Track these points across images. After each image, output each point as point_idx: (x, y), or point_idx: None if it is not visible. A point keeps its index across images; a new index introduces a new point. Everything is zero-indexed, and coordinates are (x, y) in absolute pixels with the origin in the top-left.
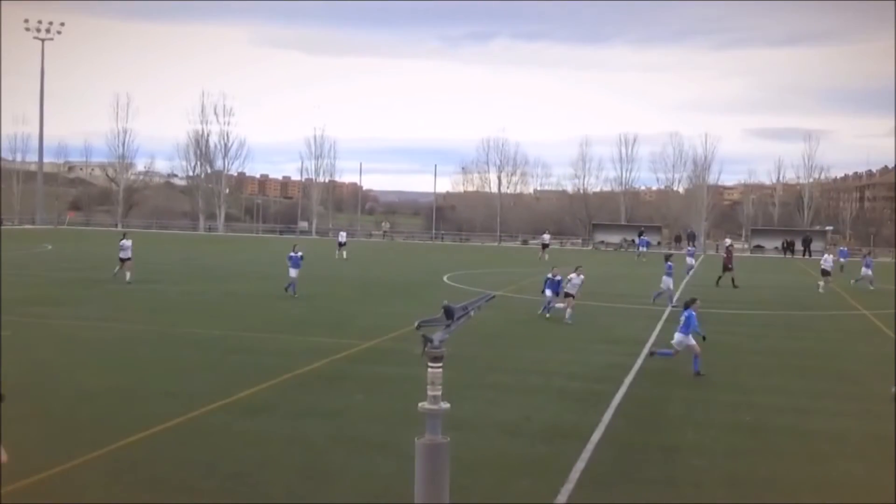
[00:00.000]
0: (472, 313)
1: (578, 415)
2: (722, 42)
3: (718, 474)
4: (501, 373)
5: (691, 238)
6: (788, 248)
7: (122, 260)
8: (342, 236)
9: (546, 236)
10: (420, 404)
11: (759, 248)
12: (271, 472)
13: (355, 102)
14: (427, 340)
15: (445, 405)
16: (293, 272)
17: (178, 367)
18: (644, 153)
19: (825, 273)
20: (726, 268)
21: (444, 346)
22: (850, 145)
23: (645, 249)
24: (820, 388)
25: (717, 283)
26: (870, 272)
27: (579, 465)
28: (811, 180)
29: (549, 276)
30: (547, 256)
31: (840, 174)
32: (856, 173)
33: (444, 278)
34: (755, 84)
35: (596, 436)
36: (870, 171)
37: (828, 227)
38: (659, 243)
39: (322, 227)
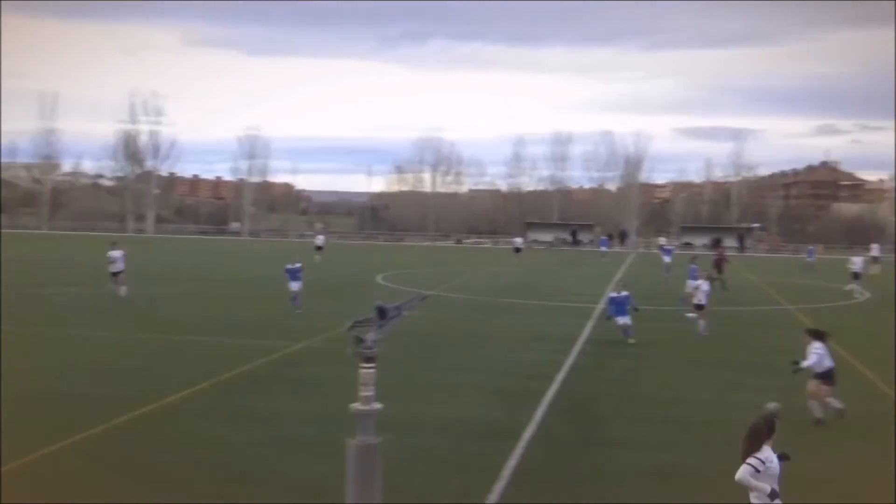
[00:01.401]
0: (405, 313)
1: (511, 412)
2: (653, 43)
3: (648, 468)
4: (434, 372)
5: (623, 236)
6: (717, 244)
7: (114, 273)
8: (319, 239)
9: (518, 240)
10: (352, 405)
11: (688, 245)
12: (201, 476)
13: (289, 102)
14: (359, 341)
15: (378, 406)
16: (295, 285)
17: (104, 371)
18: (577, 152)
19: (856, 276)
20: (719, 271)
21: (377, 347)
22: (777, 144)
23: (606, 249)
24: (744, 381)
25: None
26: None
27: (511, 463)
28: (739, 178)
29: (613, 294)
30: (517, 261)
31: (767, 172)
32: (782, 171)
33: (378, 278)
34: (685, 84)
35: (528, 433)
36: (795, 169)
37: (755, 225)
38: (591, 241)
39: (254, 227)
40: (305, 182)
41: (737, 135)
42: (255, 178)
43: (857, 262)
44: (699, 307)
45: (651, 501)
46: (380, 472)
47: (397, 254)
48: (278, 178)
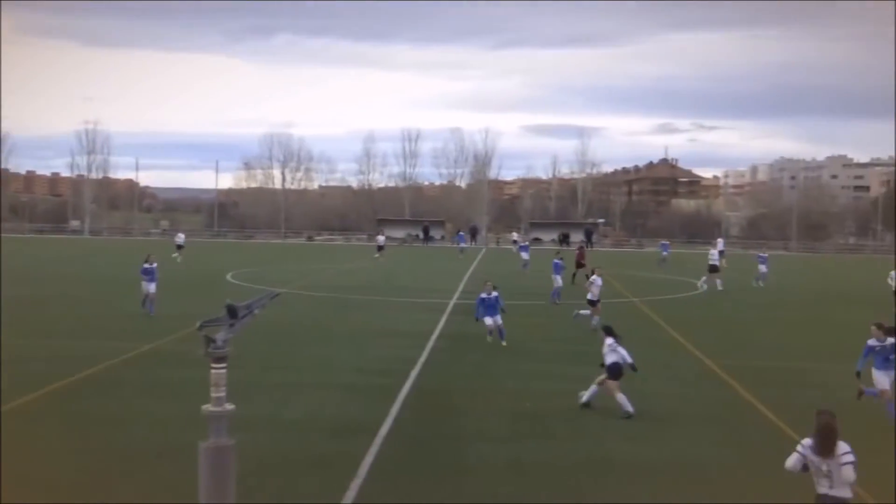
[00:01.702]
0: (256, 312)
1: (366, 409)
2: (499, 42)
3: (501, 459)
4: (288, 371)
5: (473, 232)
6: (564, 240)
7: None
8: (180, 238)
9: (381, 238)
10: (203, 407)
11: (537, 240)
12: (45, 484)
13: (131, 96)
14: (210, 341)
15: (230, 407)
16: (150, 287)
17: None
18: (427, 149)
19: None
20: (579, 265)
21: (228, 347)
22: (619, 142)
23: (464, 245)
24: (594, 373)
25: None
26: (765, 268)
27: (368, 460)
28: (584, 175)
29: (483, 294)
30: (382, 258)
31: (610, 169)
32: (624, 168)
33: (228, 277)
34: (531, 83)
35: (384, 429)
36: (636, 166)
37: (600, 220)
38: (443, 237)
39: (96, 226)
40: (150, 178)
41: (581, 132)
42: (96, 175)
43: (714, 255)
44: (592, 303)
45: (506, 493)
46: (233, 473)
47: (247, 251)
48: (121, 175)
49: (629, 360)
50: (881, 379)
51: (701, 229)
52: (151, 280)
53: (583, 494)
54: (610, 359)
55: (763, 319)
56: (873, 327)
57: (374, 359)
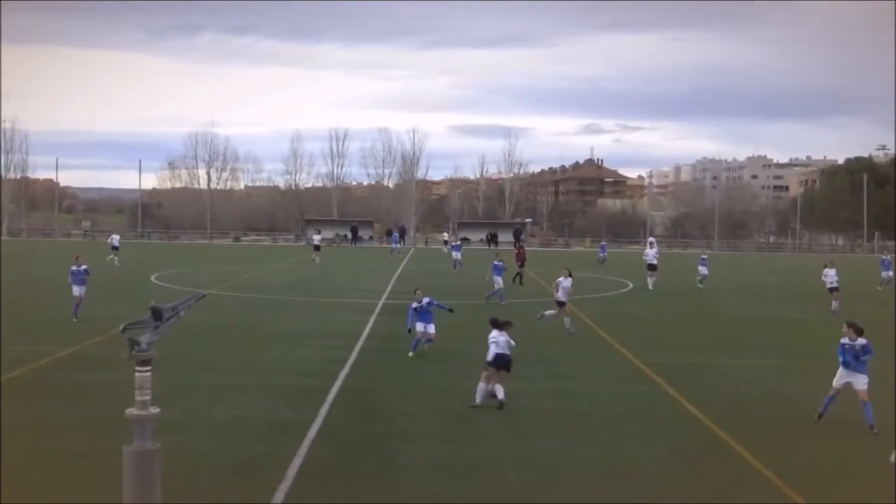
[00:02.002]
0: (181, 313)
1: (294, 411)
2: (427, 42)
3: (431, 459)
4: (215, 373)
5: (402, 232)
6: (492, 239)
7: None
8: (115, 239)
9: (317, 237)
10: (128, 410)
11: (465, 240)
12: None
13: (50, 94)
14: (134, 343)
15: (155, 410)
16: (78, 290)
17: None
18: (354, 149)
19: (652, 268)
20: (521, 264)
21: (153, 349)
22: (546, 142)
23: (396, 245)
24: (521, 371)
25: (514, 280)
26: (706, 270)
27: (296, 462)
28: (511, 175)
29: (414, 304)
30: (318, 259)
31: (537, 169)
32: (551, 169)
33: (152, 278)
34: (459, 83)
35: (312, 431)
36: (563, 166)
37: (527, 220)
38: (371, 237)
39: (14, 227)
40: (70, 178)
41: (509, 133)
42: (14, 175)
43: (650, 255)
44: (560, 304)
45: (436, 492)
46: (159, 478)
47: (172, 252)
48: (40, 174)
49: (508, 347)
50: (843, 377)
51: (627, 229)
52: (81, 283)
53: (513, 493)
54: (493, 351)
55: (687, 317)
56: (845, 326)
57: (303, 360)
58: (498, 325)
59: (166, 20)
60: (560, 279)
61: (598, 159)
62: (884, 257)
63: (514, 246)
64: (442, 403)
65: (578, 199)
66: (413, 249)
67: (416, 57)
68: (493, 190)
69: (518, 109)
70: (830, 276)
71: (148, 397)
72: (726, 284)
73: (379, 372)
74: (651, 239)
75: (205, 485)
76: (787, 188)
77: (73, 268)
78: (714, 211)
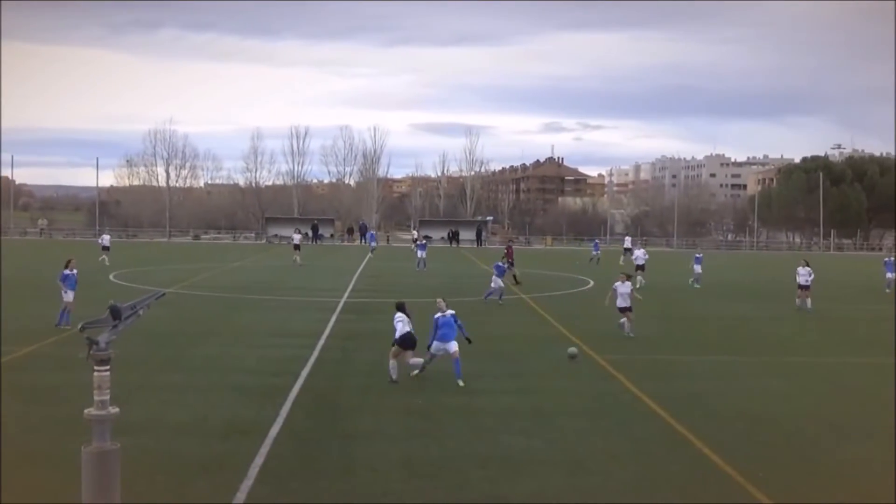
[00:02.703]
0: (140, 312)
1: (256, 410)
2: (390, 39)
3: (393, 458)
4: (175, 372)
5: (362, 230)
6: (454, 237)
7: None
8: (105, 239)
9: (297, 236)
10: (86, 411)
11: (427, 238)
12: None
13: (5, 90)
14: (92, 343)
15: (114, 410)
16: (70, 296)
17: None
18: (315, 146)
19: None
20: (510, 263)
21: (111, 349)
22: (507, 141)
23: (374, 244)
24: (485, 369)
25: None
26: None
27: (258, 461)
28: (473, 173)
29: (438, 315)
30: (299, 259)
31: (498, 168)
32: (512, 167)
33: (111, 277)
34: (421, 81)
35: (274, 430)
36: (524, 164)
37: (488, 218)
38: (332, 235)
39: None
40: (26, 176)
41: (470, 131)
42: None
43: (639, 255)
44: (623, 310)
45: (398, 491)
46: (118, 479)
47: (131, 251)
48: None
49: (408, 329)
50: None
51: (587, 227)
52: (72, 288)
53: (476, 491)
54: (400, 330)
55: (648, 314)
56: None
57: (264, 359)
58: (402, 308)
59: (127, 16)
60: (617, 284)
61: (559, 158)
62: (887, 258)
63: (510, 244)
64: (404, 401)
65: (539, 197)
66: (378, 247)
67: (379, 55)
68: (455, 188)
69: (480, 108)
70: (803, 273)
71: (107, 397)
72: (686, 281)
73: (341, 370)
74: (627, 238)
75: (165, 485)
76: (744, 186)
77: (66, 272)
78: (673, 209)
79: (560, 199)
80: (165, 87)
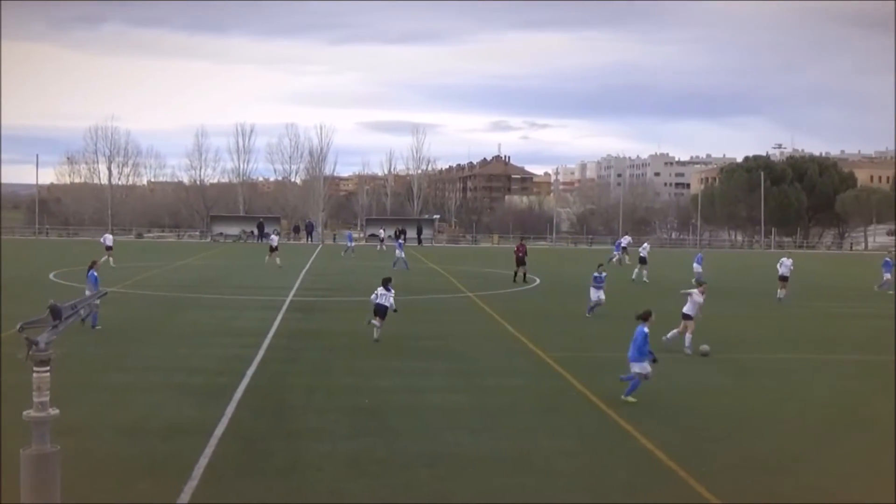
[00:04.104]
0: (82, 312)
1: (200, 410)
2: (339, 37)
3: (340, 456)
4: (118, 372)
5: (309, 228)
6: (400, 235)
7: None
8: (108, 239)
9: (275, 238)
10: (25, 412)
11: (374, 237)
12: None
13: None
14: (32, 343)
15: (54, 411)
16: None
17: None
18: (261, 144)
19: (643, 261)
20: (520, 262)
21: (52, 349)
22: (455, 139)
23: (351, 244)
24: (432, 367)
25: (515, 278)
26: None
27: (202, 462)
28: (420, 172)
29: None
30: (279, 261)
31: (446, 166)
32: (459, 165)
33: (51, 276)
34: (369, 79)
35: (219, 430)
36: (471, 163)
37: (435, 216)
38: (278, 234)
39: None
40: None
41: (418, 129)
42: None
43: (644, 248)
44: (687, 317)
45: (345, 490)
46: (58, 481)
47: (72, 249)
48: None
49: (391, 304)
50: None
51: (534, 225)
52: (94, 285)
53: (424, 489)
54: (376, 301)
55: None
56: None
57: (209, 358)
58: (385, 283)
59: (70, 11)
60: (693, 292)
61: (505, 156)
62: (888, 258)
63: (522, 241)
64: (351, 400)
65: (486, 195)
66: (321, 246)
67: (327, 53)
68: (402, 186)
69: (428, 106)
70: (786, 264)
71: (46, 398)
72: (629, 279)
73: (287, 369)
74: (625, 237)
75: (107, 486)
76: (688, 185)
77: (93, 271)
78: (618, 207)
79: (507, 197)
80: (108, 83)
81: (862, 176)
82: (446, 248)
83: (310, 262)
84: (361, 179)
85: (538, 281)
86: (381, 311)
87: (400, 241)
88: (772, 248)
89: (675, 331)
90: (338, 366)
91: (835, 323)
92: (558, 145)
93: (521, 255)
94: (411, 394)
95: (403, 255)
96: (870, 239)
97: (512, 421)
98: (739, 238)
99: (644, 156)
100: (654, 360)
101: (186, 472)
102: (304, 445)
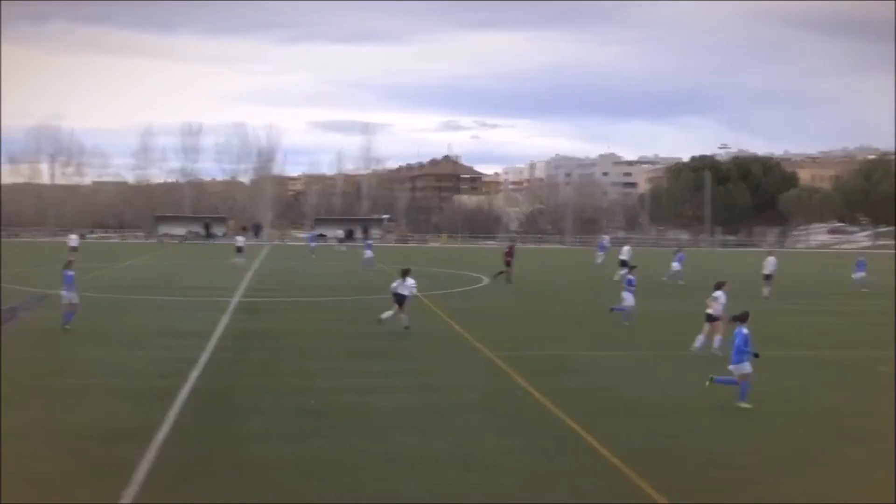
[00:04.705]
0: (21, 315)
1: (143, 414)
2: (288, 36)
3: (286, 459)
4: (58, 376)
5: (256, 229)
6: (349, 236)
7: None
8: (73, 240)
9: (240, 239)
10: None
11: (321, 237)
12: None
13: None
14: None
15: None
16: (71, 296)
17: None
18: (209, 144)
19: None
20: (508, 262)
21: None
22: (405, 139)
23: (314, 245)
24: (378, 367)
25: (496, 277)
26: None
27: (144, 466)
28: (369, 171)
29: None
30: (240, 261)
31: (395, 166)
32: (409, 165)
33: None
34: (319, 78)
35: (161, 434)
36: (421, 162)
37: (384, 216)
38: (225, 234)
39: None
40: None
41: (367, 129)
42: None
43: (624, 251)
44: (710, 318)
45: (291, 492)
46: None
47: (12, 251)
48: None
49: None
50: None
51: (483, 225)
52: (69, 289)
53: (370, 489)
54: (393, 289)
55: (541, 311)
56: None
57: (153, 361)
58: (404, 273)
59: (13, 8)
60: (718, 293)
61: (455, 156)
62: (860, 259)
63: (512, 244)
64: (297, 401)
65: (435, 195)
66: (269, 246)
67: (276, 52)
68: (351, 186)
69: (378, 105)
70: (771, 262)
71: None
72: (579, 278)
73: (233, 371)
74: (605, 237)
75: (45, 492)
76: (635, 184)
77: (69, 271)
78: (567, 207)
79: (456, 197)
80: (52, 81)
81: (804, 176)
82: (395, 247)
83: (257, 263)
84: (311, 179)
85: (485, 280)
86: (399, 299)
87: (369, 241)
88: (717, 247)
89: (701, 336)
90: (284, 367)
91: (787, 319)
92: (508, 145)
93: (509, 257)
94: (358, 394)
95: (372, 255)
96: (811, 237)
97: (458, 420)
98: (685, 236)
99: (593, 155)
100: (756, 356)
101: (127, 477)
102: (249, 448)
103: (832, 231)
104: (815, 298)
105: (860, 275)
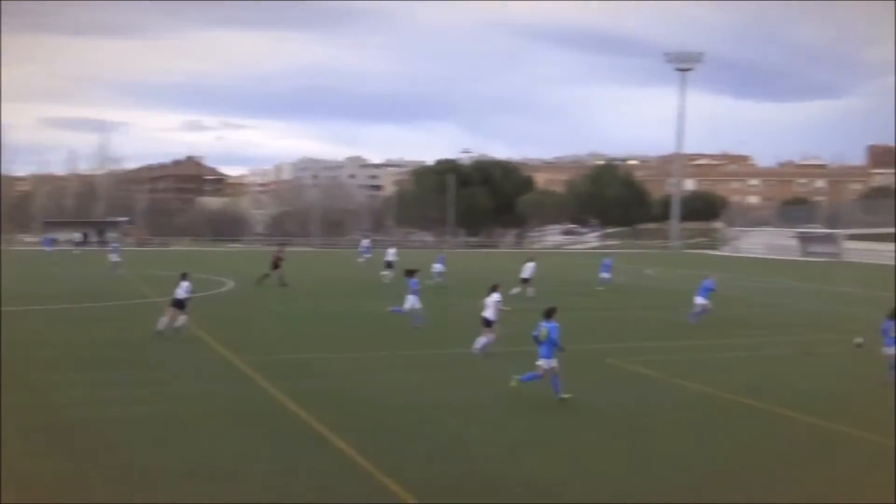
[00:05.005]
0: None
1: None
2: (15, 25)
3: (12, 479)
4: None
5: None
6: (85, 239)
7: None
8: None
9: (114, 247)
10: None
11: (53, 241)
12: None
13: None
14: None
15: None
16: None
17: None
18: None
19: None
20: (275, 266)
21: None
22: (144, 138)
23: (50, 249)
24: (114, 378)
25: (260, 281)
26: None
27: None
28: (105, 171)
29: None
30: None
31: (134, 166)
32: (149, 165)
33: None
34: (49, 72)
35: None
36: (161, 163)
37: (123, 218)
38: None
39: None
40: None
41: (103, 127)
42: None
43: (390, 253)
44: (487, 323)
45: None
46: None
47: None
48: None
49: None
50: None
51: (227, 227)
52: None
53: None
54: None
55: (287, 314)
56: None
57: None
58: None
59: None
60: (495, 295)
61: (198, 156)
62: (605, 260)
63: (281, 247)
64: (27, 419)
65: (177, 196)
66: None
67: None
68: (85, 186)
69: (115, 102)
70: (528, 268)
71: None
72: (317, 280)
73: None
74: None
75: None
76: (381, 187)
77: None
78: (314, 209)
79: (199, 198)
80: None
81: (540, 180)
82: (134, 251)
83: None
84: (39, 179)
85: (232, 283)
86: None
87: (115, 244)
88: (460, 248)
89: (484, 339)
90: (10, 382)
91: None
92: (254, 146)
93: (277, 259)
94: (90, 407)
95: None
96: (547, 238)
97: (199, 429)
98: (430, 238)
99: (340, 158)
100: (562, 350)
101: None
102: None
103: (565, 232)
104: (573, 296)
105: (605, 275)
